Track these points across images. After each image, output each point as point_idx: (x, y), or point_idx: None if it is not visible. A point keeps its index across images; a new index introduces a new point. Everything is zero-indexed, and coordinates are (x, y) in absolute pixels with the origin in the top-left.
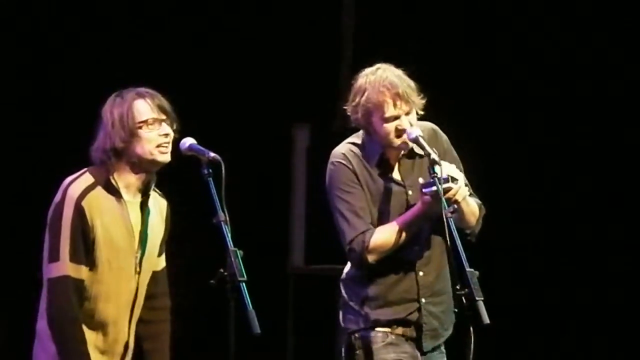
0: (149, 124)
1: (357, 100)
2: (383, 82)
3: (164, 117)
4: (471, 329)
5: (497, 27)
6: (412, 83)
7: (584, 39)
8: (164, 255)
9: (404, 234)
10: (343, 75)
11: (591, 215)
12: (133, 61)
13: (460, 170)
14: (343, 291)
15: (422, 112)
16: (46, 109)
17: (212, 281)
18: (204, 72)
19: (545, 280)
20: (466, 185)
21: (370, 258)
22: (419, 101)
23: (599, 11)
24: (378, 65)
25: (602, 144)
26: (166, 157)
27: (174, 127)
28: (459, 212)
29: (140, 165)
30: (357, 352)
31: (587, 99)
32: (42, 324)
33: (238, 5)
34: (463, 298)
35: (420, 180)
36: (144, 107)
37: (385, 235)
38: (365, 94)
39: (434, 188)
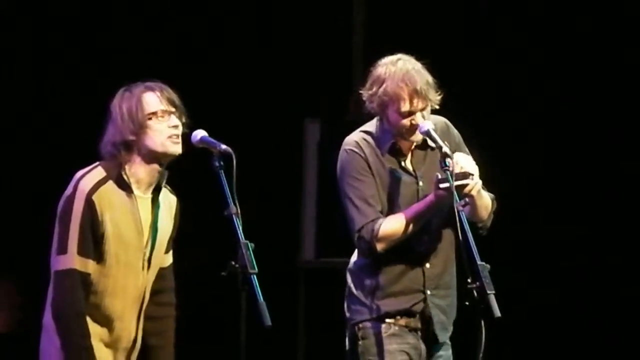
0: (158, 116)
1: (374, 89)
2: (403, 76)
3: (172, 109)
4: (482, 322)
5: (504, 21)
6: (430, 78)
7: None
8: (171, 252)
9: (414, 224)
10: (354, 70)
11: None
12: (144, 55)
13: None
14: (349, 281)
15: (437, 107)
16: (57, 104)
17: (223, 273)
18: (216, 67)
19: (551, 276)
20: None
21: (379, 247)
22: (435, 98)
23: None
24: (399, 55)
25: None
26: (177, 148)
27: (183, 120)
28: (472, 206)
29: (151, 157)
30: (360, 342)
31: (590, 98)
32: (49, 317)
33: (249, 2)
34: (474, 291)
35: (438, 175)
36: (153, 99)
37: (395, 224)
38: (384, 85)
39: (448, 184)
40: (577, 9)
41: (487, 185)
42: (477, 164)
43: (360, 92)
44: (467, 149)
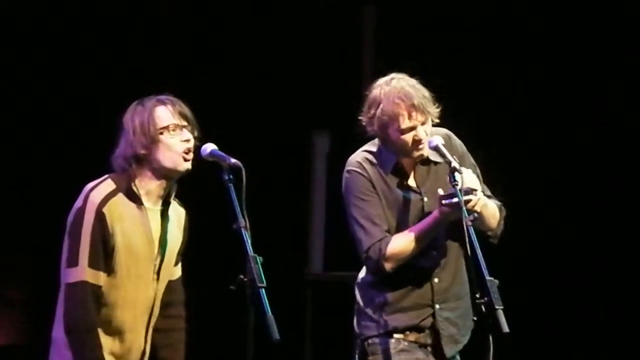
0: (170, 130)
1: (372, 112)
2: (398, 93)
3: (185, 123)
4: (490, 337)
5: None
6: (427, 92)
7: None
8: (180, 265)
9: (420, 242)
10: (364, 82)
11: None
12: (154, 69)
13: (477, 175)
14: (358, 296)
15: (437, 120)
16: (69, 116)
17: (231, 287)
18: (224, 79)
19: (555, 285)
20: (483, 192)
21: (387, 266)
22: (434, 111)
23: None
24: (392, 75)
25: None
26: (187, 165)
27: (195, 134)
28: (479, 216)
29: (161, 172)
30: (370, 358)
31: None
32: (58, 331)
33: (258, 12)
34: (482, 307)
35: (440, 191)
36: (165, 113)
37: (402, 243)
38: (380, 106)
39: (455, 200)
40: (583, 13)
41: (492, 191)
42: (482, 171)
43: (360, 117)
44: (471, 159)
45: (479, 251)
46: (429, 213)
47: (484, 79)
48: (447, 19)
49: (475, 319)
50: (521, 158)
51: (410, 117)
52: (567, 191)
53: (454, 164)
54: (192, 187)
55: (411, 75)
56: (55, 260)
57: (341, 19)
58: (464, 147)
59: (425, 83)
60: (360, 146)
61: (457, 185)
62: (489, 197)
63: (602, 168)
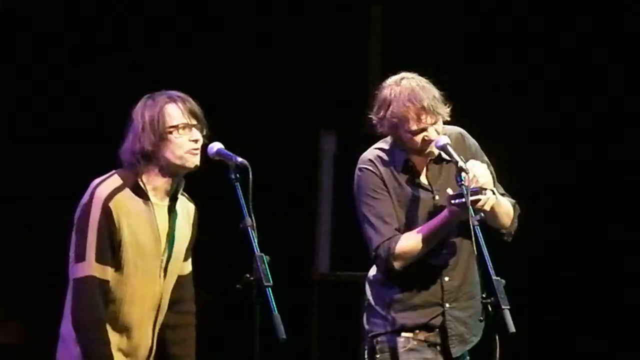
0: (180, 129)
1: (382, 113)
2: (407, 95)
3: (194, 122)
4: (497, 337)
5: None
6: (437, 93)
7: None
8: (190, 260)
9: (430, 241)
10: (371, 82)
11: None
12: (164, 65)
13: (492, 174)
14: (368, 292)
15: (448, 119)
16: (75, 111)
17: (238, 286)
18: (233, 78)
19: (561, 283)
20: (494, 192)
21: (397, 264)
22: (444, 111)
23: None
24: (402, 74)
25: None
26: (195, 160)
27: (204, 133)
28: (492, 214)
29: (168, 168)
30: (379, 356)
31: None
32: (66, 327)
33: (266, 12)
34: (489, 306)
35: (449, 191)
36: (176, 111)
37: (411, 242)
38: (390, 107)
39: (463, 200)
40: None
41: (507, 190)
42: (495, 170)
43: (370, 116)
44: (485, 158)
45: (485, 250)
46: (441, 211)
47: (487, 79)
48: (453, 18)
49: (481, 319)
50: (526, 158)
51: (419, 119)
52: (572, 191)
53: (461, 163)
54: (200, 186)
55: (420, 74)
56: (60, 257)
57: (348, 18)
58: (478, 146)
59: (434, 82)
60: (368, 146)
61: (463, 184)
62: (502, 194)
63: (607, 168)
